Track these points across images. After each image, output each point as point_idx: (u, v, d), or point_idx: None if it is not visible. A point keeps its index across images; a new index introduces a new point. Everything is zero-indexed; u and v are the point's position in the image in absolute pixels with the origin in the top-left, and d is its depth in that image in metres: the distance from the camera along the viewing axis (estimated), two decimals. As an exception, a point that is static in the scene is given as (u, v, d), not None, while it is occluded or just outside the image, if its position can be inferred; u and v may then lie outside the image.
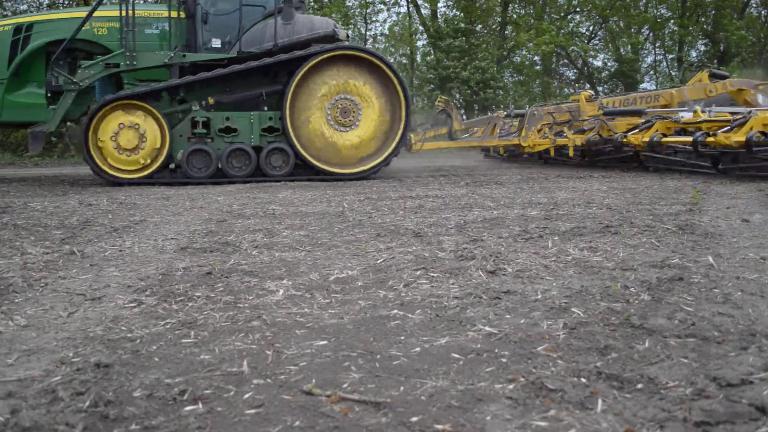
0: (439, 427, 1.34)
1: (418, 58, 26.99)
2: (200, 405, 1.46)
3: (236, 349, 1.84)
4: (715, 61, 26.25)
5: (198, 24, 8.67)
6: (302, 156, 8.63)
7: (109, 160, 8.15)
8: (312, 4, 26.29)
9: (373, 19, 34.25)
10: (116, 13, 8.49)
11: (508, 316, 2.10)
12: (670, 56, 28.19)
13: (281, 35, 8.66)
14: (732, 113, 7.76)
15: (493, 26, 28.07)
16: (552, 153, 10.79)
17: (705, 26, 27.86)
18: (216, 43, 8.70)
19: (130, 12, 8.22)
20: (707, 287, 2.42)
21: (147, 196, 6.64)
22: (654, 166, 9.05)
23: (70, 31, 8.26)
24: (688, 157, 8.27)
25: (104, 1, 8.71)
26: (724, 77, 10.94)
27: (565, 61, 29.94)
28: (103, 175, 8.16)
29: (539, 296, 2.34)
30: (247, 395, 1.51)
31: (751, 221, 4.06)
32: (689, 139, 7.70)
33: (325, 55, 8.53)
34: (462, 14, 25.88)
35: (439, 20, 25.58)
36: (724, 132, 7.29)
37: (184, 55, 8.50)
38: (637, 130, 9.06)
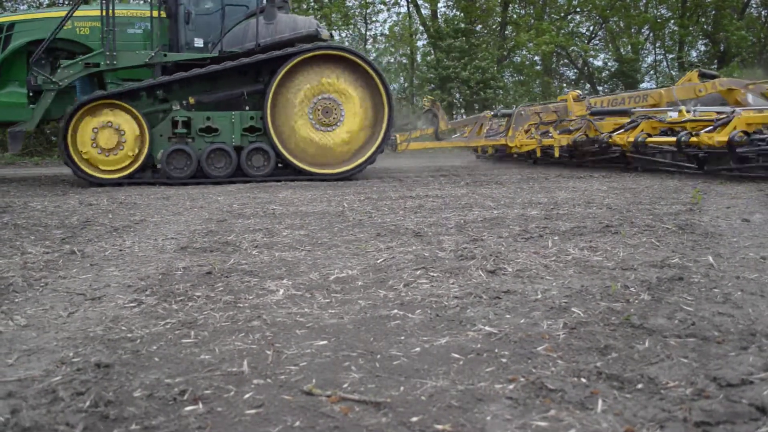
0: (439, 427, 1.34)
1: (418, 58, 26.98)
2: (200, 405, 1.46)
3: (236, 349, 1.84)
4: (716, 61, 26.25)
5: (180, 24, 8.61)
6: (283, 156, 8.57)
7: (88, 161, 8.09)
8: (312, 4, 26.30)
9: (373, 19, 34.24)
10: (98, 13, 8.42)
11: (508, 316, 2.10)
12: (670, 56, 28.18)
13: (263, 35, 8.61)
14: (719, 113, 7.73)
15: (493, 26, 28.05)
16: (538, 153, 10.73)
17: (705, 26, 27.85)
18: (198, 42, 8.65)
19: (111, 11, 8.17)
20: (707, 287, 2.42)
21: (147, 196, 6.64)
22: (640, 166, 8.98)
23: (52, 30, 8.21)
24: (673, 156, 8.24)
25: (86, 1, 8.68)
26: (713, 77, 10.88)
27: (566, 61, 29.93)
28: (83, 175, 8.10)
29: (539, 296, 2.34)
30: (247, 395, 1.52)
31: (751, 221, 4.06)
32: (673, 139, 7.70)
33: (306, 55, 8.47)
34: (462, 14, 25.87)
35: (439, 20, 25.57)
36: (707, 132, 7.29)
37: (165, 55, 8.45)
38: (622, 130, 9.03)
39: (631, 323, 1.99)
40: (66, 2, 21.81)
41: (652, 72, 28.96)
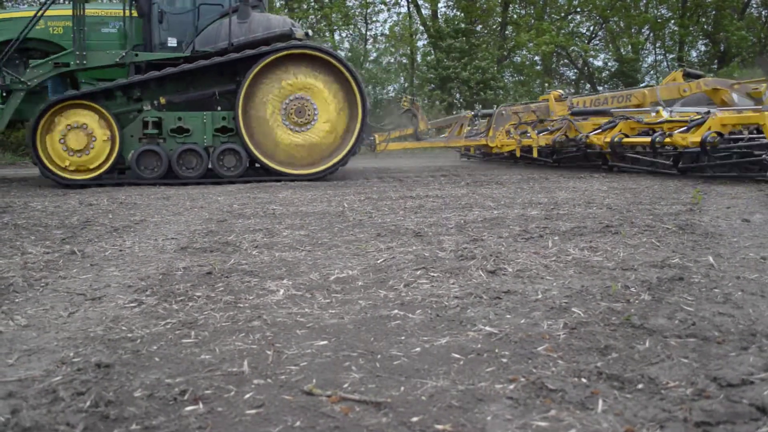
0: (440, 427, 1.34)
1: (419, 58, 26.98)
2: (201, 405, 1.46)
3: (237, 349, 1.84)
4: (716, 61, 26.25)
5: (154, 23, 8.55)
6: (255, 157, 8.51)
7: (57, 162, 8.04)
8: (312, 4, 26.30)
9: (374, 19, 34.30)
10: (71, 12, 8.34)
11: (508, 316, 2.10)
12: (671, 56, 28.17)
13: (237, 34, 8.53)
14: (699, 113, 7.70)
15: (494, 26, 28.06)
16: (518, 153, 10.66)
17: (705, 26, 27.84)
18: (172, 42, 8.58)
19: (80, 11, 8.10)
20: (707, 287, 2.42)
21: (147, 196, 6.64)
22: (618, 167, 8.91)
23: (22, 30, 8.16)
24: (653, 157, 8.20)
25: (59, 0, 8.61)
26: (698, 76, 10.78)
27: (566, 61, 29.93)
28: (51, 176, 8.04)
29: (539, 296, 2.34)
30: (247, 395, 1.52)
31: (751, 221, 4.06)
32: (648, 139, 7.67)
33: (278, 54, 8.40)
34: (462, 14, 25.87)
35: (440, 20, 25.57)
36: (680, 132, 7.27)
37: (137, 54, 8.38)
38: (599, 131, 8.99)
39: (632, 323, 1.99)
40: (64, 0, 21.81)
41: (652, 72, 28.95)
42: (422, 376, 1.62)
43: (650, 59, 28.98)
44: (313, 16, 26.38)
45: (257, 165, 8.74)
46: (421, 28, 27.22)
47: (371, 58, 26.68)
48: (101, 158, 8.16)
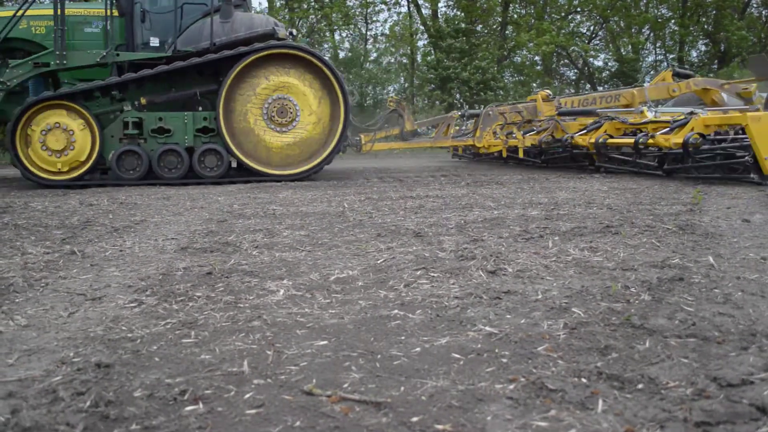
0: (440, 427, 1.34)
1: (419, 58, 26.99)
2: (201, 405, 1.46)
3: (237, 349, 1.84)
4: (716, 61, 26.25)
5: (136, 23, 8.50)
6: (237, 157, 8.46)
7: (37, 162, 8.00)
8: (312, 3, 26.30)
9: (374, 18, 34.30)
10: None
11: (508, 316, 2.10)
12: (671, 56, 28.18)
13: (219, 34, 8.47)
14: (686, 114, 7.65)
15: (494, 26, 28.07)
16: (504, 153, 10.62)
17: (706, 26, 27.85)
18: (155, 42, 8.52)
19: (60, 10, 8.03)
20: (708, 287, 2.42)
21: (147, 196, 6.64)
22: (604, 167, 8.86)
23: (3, 30, 8.13)
24: (637, 157, 8.15)
25: (40, 0, 8.50)
26: (688, 76, 10.70)
27: (566, 61, 29.93)
28: (31, 177, 8.01)
29: (540, 296, 2.34)
30: (247, 395, 1.52)
31: (751, 221, 4.06)
32: (631, 140, 7.63)
33: (259, 54, 8.35)
34: (462, 14, 25.88)
35: (440, 20, 25.58)
36: (662, 134, 7.24)
37: (118, 54, 8.32)
38: (585, 131, 8.95)
39: (632, 323, 1.99)
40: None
41: (652, 72, 28.95)
42: (422, 376, 1.62)
43: (650, 59, 28.99)
44: (313, 16, 26.39)
45: (240, 165, 8.69)
46: (422, 27, 27.25)
47: (371, 58, 26.70)
48: (81, 159, 8.12)
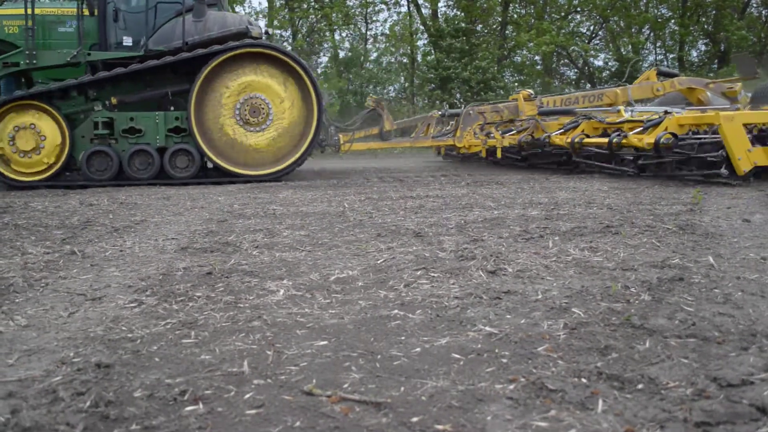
0: (440, 427, 1.34)
1: (419, 58, 26.99)
2: (201, 405, 1.46)
3: (237, 349, 1.84)
4: (716, 61, 26.25)
5: (109, 22, 8.44)
6: (208, 157, 8.40)
7: (6, 162, 7.96)
8: (312, 3, 26.30)
9: (374, 18, 34.29)
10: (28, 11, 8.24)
11: (508, 316, 2.10)
12: (671, 56, 28.18)
13: (192, 33, 8.41)
14: (660, 113, 7.58)
15: (494, 26, 28.07)
16: (483, 154, 10.54)
17: (706, 26, 27.85)
18: (128, 41, 8.47)
19: (30, 9, 7.98)
20: (708, 287, 2.42)
21: (148, 196, 6.64)
22: (581, 167, 8.80)
23: None
24: (611, 157, 8.08)
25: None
26: (672, 75, 10.61)
27: (566, 61, 29.93)
28: (0, 178, 7.98)
29: (540, 296, 2.34)
30: (247, 395, 1.52)
31: (751, 221, 4.06)
32: (605, 140, 7.60)
33: (230, 53, 8.28)
34: (462, 14, 25.88)
35: (440, 20, 25.58)
36: (635, 133, 7.22)
37: (89, 54, 8.26)
38: (562, 130, 8.91)
39: (632, 323, 1.99)
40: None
41: (652, 72, 28.91)
42: (422, 376, 1.62)
43: (651, 59, 28.98)
44: (313, 16, 26.40)
45: (208, 167, 8.62)
46: (422, 27, 27.25)
47: (371, 58, 26.70)
48: (51, 159, 8.08)
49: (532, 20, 26.79)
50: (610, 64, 28.82)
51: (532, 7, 27.96)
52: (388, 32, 28.61)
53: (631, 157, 7.70)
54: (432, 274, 2.73)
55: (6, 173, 7.98)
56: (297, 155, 8.67)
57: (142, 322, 2.12)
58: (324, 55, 28.60)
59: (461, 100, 22.74)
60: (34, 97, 8.02)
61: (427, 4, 26.93)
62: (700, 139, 6.56)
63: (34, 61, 8.09)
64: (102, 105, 8.40)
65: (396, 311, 2.20)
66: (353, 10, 27.11)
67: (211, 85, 8.43)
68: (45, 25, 8.37)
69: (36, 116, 8.02)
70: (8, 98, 7.93)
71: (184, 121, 8.39)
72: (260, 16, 27.63)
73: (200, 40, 8.45)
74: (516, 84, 26.49)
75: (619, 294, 2.34)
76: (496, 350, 1.79)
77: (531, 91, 11.26)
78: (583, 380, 1.57)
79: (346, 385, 1.57)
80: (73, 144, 8.15)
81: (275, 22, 26.07)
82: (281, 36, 26.85)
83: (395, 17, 33.62)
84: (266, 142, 8.60)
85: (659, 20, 27.54)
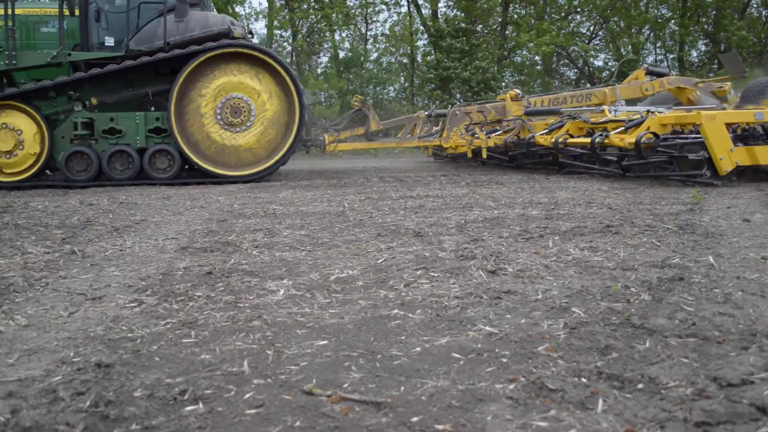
0: (440, 427, 1.34)
1: (419, 58, 27.00)
2: (201, 405, 1.46)
3: (237, 348, 1.84)
4: (716, 61, 26.24)
5: (91, 22, 8.41)
6: (189, 158, 8.37)
7: None
8: (312, 3, 26.30)
9: (374, 18, 34.30)
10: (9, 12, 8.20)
11: (508, 316, 2.10)
12: (671, 56, 28.19)
13: (173, 33, 8.38)
14: (642, 113, 7.54)
15: (494, 26, 28.08)
16: (469, 154, 10.54)
17: (706, 26, 27.86)
18: (110, 41, 8.44)
19: (11, 9, 7.94)
20: (708, 287, 2.42)
21: (147, 196, 6.64)
22: (566, 167, 8.79)
23: None
24: (594, 157, 8.03)
25: None
26: (661, 75, 10.55)
27: (566, 61, 29.94)
28: None
29: (540, 296, 2.34)
30: (247, 395, 1.52)
31: (752, 221, 4.06)
32: (588, 140, 7.58)
33: (211, 53, 8.26)
34: (462, 14, 25.89)
35: (440, 20, 25.59)
36: (617, 133, 7.20)
37: (70, 54, 8.23)
38: (547, 130, 8.89)
39: (632, 323, 1.99)
40: None
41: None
42: (422, 376, 1.62)
43: (651, 59, 28.99)
44: (313, 16, 26.40)
45: (188, 167, 8.60)
46: (422, 27, 27.25)
47: (371, 58, 26.71)
48: (30, 160, 8.06)
49: (532, 20, 26.79)
50: (610, 64, 28.83)
51: (532, 7, 27.97)
52: (388, 32, 28.63)
53: (615, 158, 7.70)
54: (432, 274, 2.73)
55: None
56: (279, 155, 8.66)
57: (142, 321, 2.12)
58: (324, 56, 28.64)
59: (461, 100, 22.75)
60: (13, 98, 7.99)
61: (427, 4, 26.95)
62: (682, 139, 6.53)
63: (14, 62, 8.06)
64: (82, 105, 8.37)
65: (396, 311, 2.20)
66: (353, 11, 27.12)
67: (193, 86, 8.38)
68: (28, 25, 8.35)
69: (15, 116, 7.99)
70: None
71: (165, 122, 8.36)
72: (260, 16, 27.68)
73: (182, 40, 8.41)
74: (516, 84, 26.50)
75: (619, 294, 2.34)
76: (496, 350, 1.79)
77: (518, 90, 11.25)
78: (583, 380, 1.57)
79: (346, 385, 1.57)
80: (53, 144, 8.12)
81: (275, 23, 26.09)
82: (281, 36, 26.86)
83: (395, 17, 33.64)
84: (248, 143, 8.57)
85: (659, 20, 27.55)
